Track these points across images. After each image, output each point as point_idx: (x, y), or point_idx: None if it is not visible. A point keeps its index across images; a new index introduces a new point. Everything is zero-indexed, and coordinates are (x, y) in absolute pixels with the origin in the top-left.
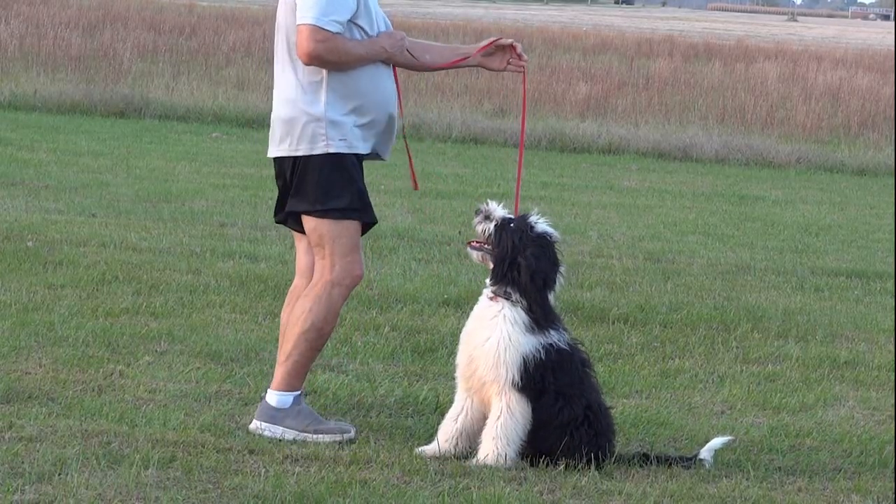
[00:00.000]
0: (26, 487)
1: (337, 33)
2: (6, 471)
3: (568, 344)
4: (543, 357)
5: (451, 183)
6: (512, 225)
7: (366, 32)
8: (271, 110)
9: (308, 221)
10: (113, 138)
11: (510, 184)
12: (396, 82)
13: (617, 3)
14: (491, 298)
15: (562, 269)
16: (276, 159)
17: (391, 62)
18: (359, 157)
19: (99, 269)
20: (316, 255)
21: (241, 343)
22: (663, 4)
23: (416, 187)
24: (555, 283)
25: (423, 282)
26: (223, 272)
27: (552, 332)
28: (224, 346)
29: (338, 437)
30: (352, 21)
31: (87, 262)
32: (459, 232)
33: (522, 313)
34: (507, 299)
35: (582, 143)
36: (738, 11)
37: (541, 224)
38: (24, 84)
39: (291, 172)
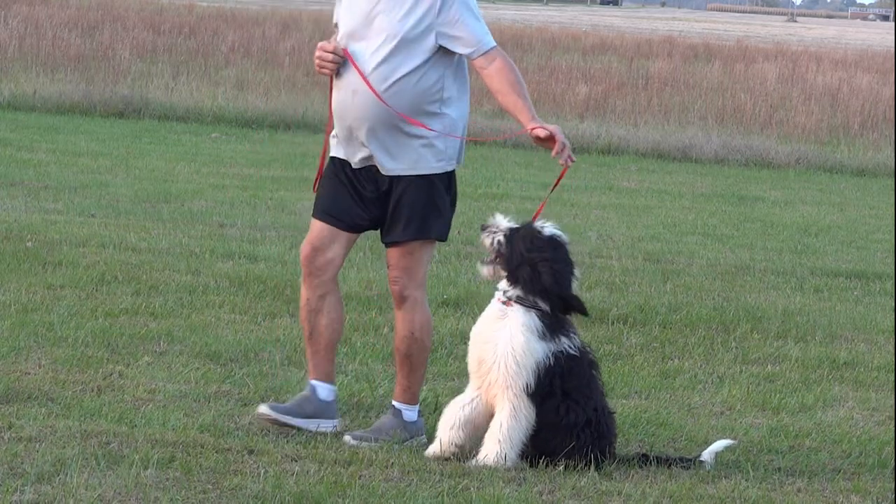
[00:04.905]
0: (26, 487)
1: None
2: (6, 471)
3: (578, 348)
4: (553, 363)
5: None
6: (521, 232)
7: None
8: (273, 111)
9: None
10: (112, 139)
11: (509, 184)
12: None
13: (603, 3)
14: (504, 303)
15: (576, 271)
16: None
17: None
18: (342, 162)
19: (98, 269)
20: None
21: (241, 343)
22: (662, 5)
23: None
24: (574, 281)
25: None
26: (222, 273)
27: (563, 338)
28: (223, 346)
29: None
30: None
31: (86, 263)
32: (458, 232)
33: (536, 319)
34: (533, 308)
35: (581, 143)
36: (738, 12)
37: (549, 228)
38: (24, 84)
39: None
